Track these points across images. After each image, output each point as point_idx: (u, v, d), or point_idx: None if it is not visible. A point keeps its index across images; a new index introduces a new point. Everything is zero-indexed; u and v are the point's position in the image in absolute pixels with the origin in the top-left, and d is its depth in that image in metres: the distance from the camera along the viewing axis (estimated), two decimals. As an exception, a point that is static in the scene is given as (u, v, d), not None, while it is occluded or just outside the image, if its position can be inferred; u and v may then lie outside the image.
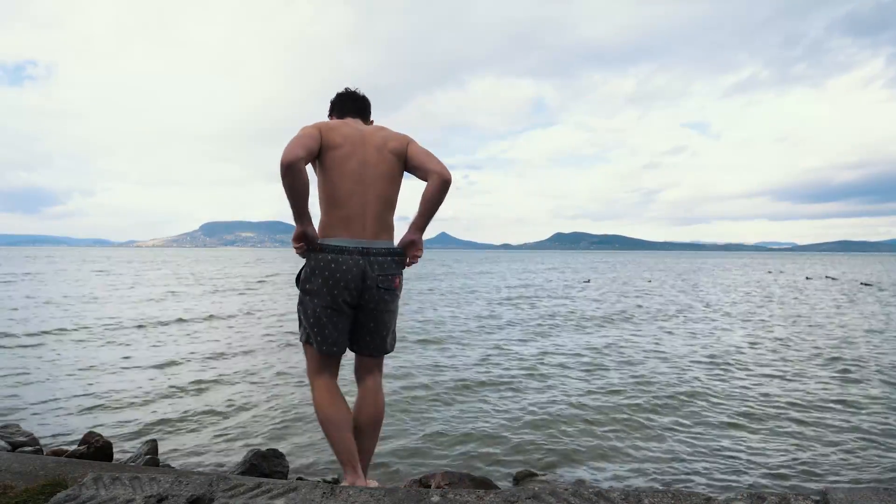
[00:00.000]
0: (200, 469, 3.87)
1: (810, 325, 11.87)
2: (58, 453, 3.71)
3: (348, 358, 2.55)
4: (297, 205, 2.24)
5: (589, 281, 29.76)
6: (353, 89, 2.63)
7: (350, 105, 2.60)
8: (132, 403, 5.61)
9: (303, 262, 2.43)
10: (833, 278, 32.42)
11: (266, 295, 19.15)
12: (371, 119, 2.67)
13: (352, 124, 2.45)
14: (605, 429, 4.85)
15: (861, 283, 27.46)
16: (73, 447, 3.85)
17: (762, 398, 5.90)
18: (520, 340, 9.86)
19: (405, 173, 2.48)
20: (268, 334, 10.32)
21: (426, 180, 2.35)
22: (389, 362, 7.74)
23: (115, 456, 3.85)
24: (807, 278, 32.74)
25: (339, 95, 2.63)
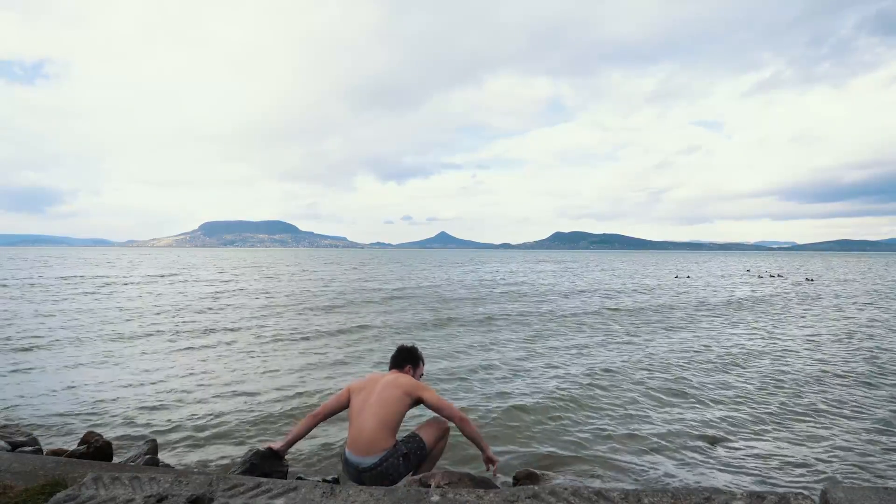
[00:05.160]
0: (200, 469, 3.87)
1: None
2: (58, 453, 3.70)
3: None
4: (294, 432, 3.44)
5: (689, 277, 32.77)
6: (403, 346, 3.71)
7: (393, 358, 3.67)
8: (132, 403, 5.60)
9: None
10: (779, 275, 35.68)
11: (269, 296, 19.14)
12: (410, 368, 3.64)
13: (376, 376, 3.47)
14: (605, 428, 4.85)
15: (806, 279, 30.88)
16: (73, 447, 3.85)
17: (760, 398, 5.91)
18: (518, 345, 9.87)
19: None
20: (270, 335, 10.31)
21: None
22: (383, 362, 7.74)
23: (115, 456, 3.85)
24: (759, 277, 35.19)
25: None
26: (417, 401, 3.37)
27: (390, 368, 3.65)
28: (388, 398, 3.29)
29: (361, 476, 3.20)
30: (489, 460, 3.37)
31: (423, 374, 3.75)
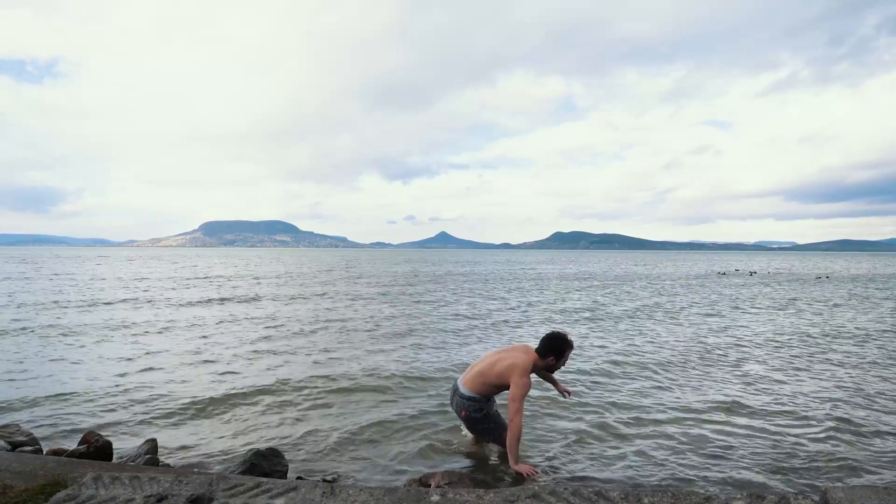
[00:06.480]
0: (200, 468, 3.86)
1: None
2: (57, 453, 3.70)
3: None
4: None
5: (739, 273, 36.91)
6: (552, 334, 3.97)
7: (541, 342, 3.98)
8: (132, 403, 5.60)
9: None
10: (754, 272, 40.66)
11: (286, 299, 19.13)
12: (553, 359, 3.94)
13: (520, 348, 4.02)
14: (605, 428, 4.86)
15: (816, 277, 34.80)
16: (73, 447, 3.84)
17: (760, 397, 5.92)
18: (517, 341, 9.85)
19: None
20: (270, 334, 10.30)
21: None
22: (384, 361, 7.74)
23: (115, 455, 3.85)
24: (750, 273, 40.39)
25: None
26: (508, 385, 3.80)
27: (536, 349, 3.96)
28: (499, 364, 3.87)
29: (457, 398, 4.07)
30: (516, 471, 3.65)
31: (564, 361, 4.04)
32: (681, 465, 4.03)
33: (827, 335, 10.46)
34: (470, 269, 44.92)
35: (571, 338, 4.03)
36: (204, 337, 9.84)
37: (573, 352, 4.14)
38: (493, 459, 4.09)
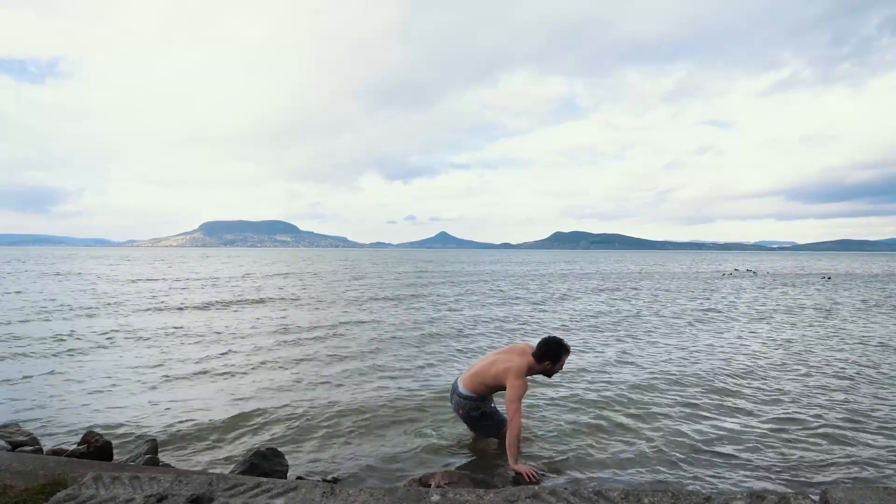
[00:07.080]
0: (200, 468, 3.87)
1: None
2: (58, 453, 3.70)
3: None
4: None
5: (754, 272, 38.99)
6: (547, 339, 3.99)
7: (537, 347, 4.01)
8: (132, 403, 5.60)
9: None
10: (753, 272, 41.12)
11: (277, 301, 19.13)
12: (549, 363, 3.97)
13: (517, 349, 4.13)
14: (605, 428, 4.86)
15: (821, 277, 35.05)
16: (73, 447, 3.85)
17: (761, 397, 5.92)
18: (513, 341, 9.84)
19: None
20: (272, 337, 10.31)
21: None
22: (385, 360, 7.74)
23: (115, 455, 3.85)
24: (747, 271, 42.32)
25: None
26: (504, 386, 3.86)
27: (533, 354, 3.97)
28: (496, 366, 3.95)
29: (456, 396, 4.21)
30: (515, 471, 3.65)
31: (561, 365, 4.05)
32: (681, 464, 4.03)
33: (830, 336, 10.47)
34: (472, 269, 44.92)
35: (568, 342, 4.06)
36: (205, 339, 9.84)
37: (571, 355, 4.15)
38: (494, 459, 4.09)
